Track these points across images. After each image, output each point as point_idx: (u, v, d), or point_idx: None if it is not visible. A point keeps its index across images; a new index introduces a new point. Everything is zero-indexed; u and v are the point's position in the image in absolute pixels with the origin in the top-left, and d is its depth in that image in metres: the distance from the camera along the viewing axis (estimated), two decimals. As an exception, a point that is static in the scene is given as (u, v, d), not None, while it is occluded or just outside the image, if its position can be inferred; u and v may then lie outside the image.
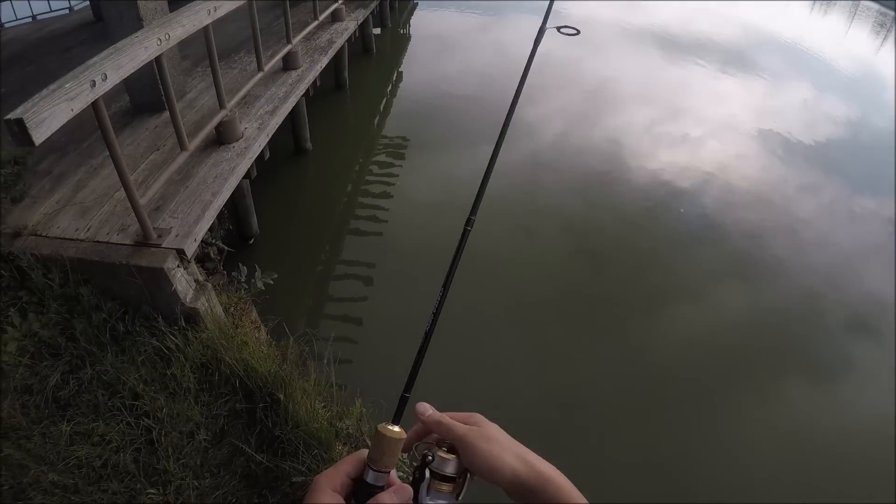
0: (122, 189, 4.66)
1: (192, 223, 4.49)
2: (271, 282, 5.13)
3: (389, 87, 12.27)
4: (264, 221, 6.84)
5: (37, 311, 4.10)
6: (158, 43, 4.00)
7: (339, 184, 8.40)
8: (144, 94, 6.09)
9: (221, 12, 5.04)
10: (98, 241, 4.38)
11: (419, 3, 18.91)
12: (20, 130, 2.89)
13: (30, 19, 14.25)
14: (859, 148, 13.31)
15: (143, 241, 4.26)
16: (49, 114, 3.02)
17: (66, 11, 14.12)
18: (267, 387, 4.02)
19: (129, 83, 5.76)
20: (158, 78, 4.41)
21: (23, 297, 4.13)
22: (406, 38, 15.72)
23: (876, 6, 66.89)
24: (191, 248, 4.33)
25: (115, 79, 3.52)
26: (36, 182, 5.14)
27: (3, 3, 14.36)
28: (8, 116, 2.89)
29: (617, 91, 13.31)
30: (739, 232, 8.40)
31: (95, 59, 3.49)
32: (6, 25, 13.83)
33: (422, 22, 17.51)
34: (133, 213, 4.22)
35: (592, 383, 5.70)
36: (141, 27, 5.79)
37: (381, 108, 11.19)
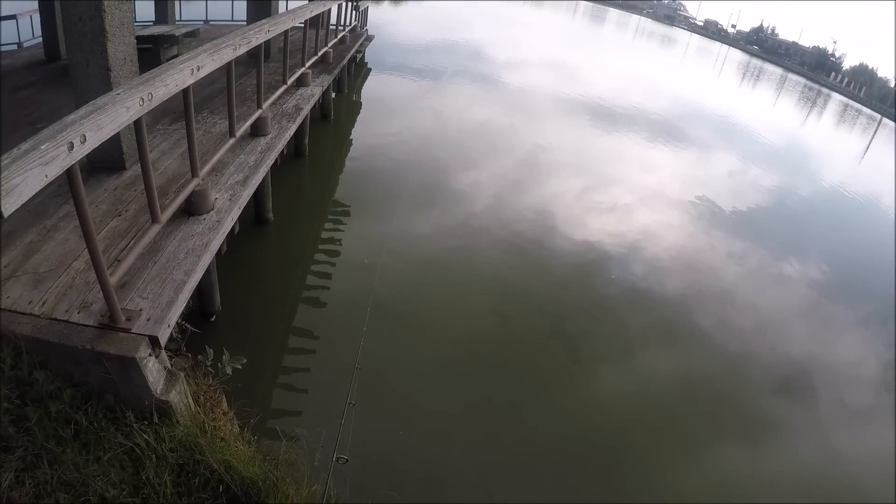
0: (80, 259, 4.21)
1: (164, 306, 3.99)
2: (240, 367, 4.66)
3: (344, 154, 12.16)
4: (226, 297, 6.36)
5: (-18, 397, 3.52)
6: (141, 103, 3.57)
7: (299, 255, 8.07)
8: (104, 151, 5.57)
9: (204, 72, 4.66)
10: (56, 319, 3.83)
11: (372, 69, 19.33)
12: (-12, 201, 2.40)
13: None
14: (784, 215, 14.33)
15: (110, 325, 3.74)
16: (21, 179, 2.55)
17: (16, 47, 13.62)
18: (254, 492, 3.51)
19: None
20: (136, 142, 3.94)
21: (-34, 378, 3.55)
22: (359, 105, 15.85)
23: (802, 80, 71.96)
24: (164, 336, 3.83)
25: (94, 141, 3.07)
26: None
27: None
28: (-29, 182, 2.41)
29: (551, 159, 13.90)
30: (669, 297, 8.74)
31: (73, 116, 3.03)
32: None
33: (373, 88, 17.88)
34: (95, 289, 3.82)
35: (517, 450, 5.57)
36: (108, 76, 5.44)
37: (336, 175, 11.03)
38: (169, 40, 11.28)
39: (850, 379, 8.03)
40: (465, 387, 6.13)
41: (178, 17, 16.32)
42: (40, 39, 12.17)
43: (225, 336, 5.96)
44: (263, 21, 6.78)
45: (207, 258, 4.70)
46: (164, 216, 4.49)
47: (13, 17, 13.98)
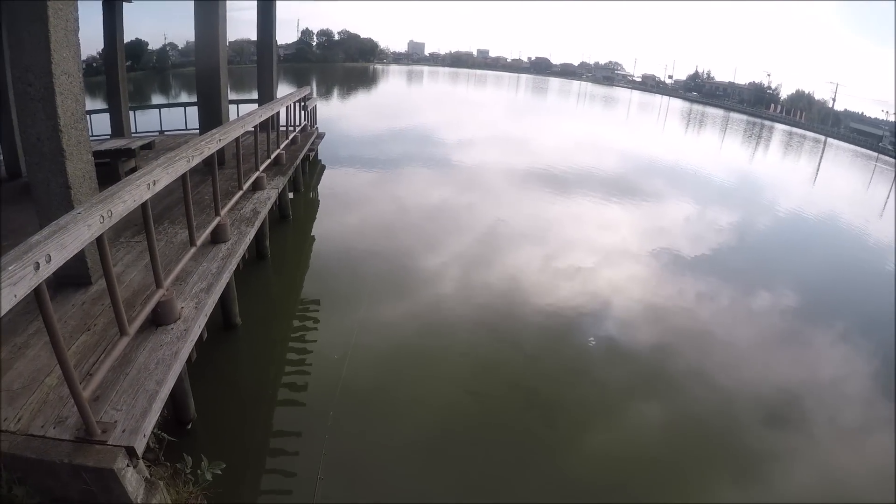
0: (53, 374, 4.32)
1: (138, 416, 4.08)
2: (219, 472, 4.72)
3: (307, 252, 12.30)
4: (201, 404, 6.40)
5: (-41, 515, 3.58)
6: (101, 220, 3.75)
7: (269, 356, 8.08)
8: (69, 267, 5.71)
9: (160, 186, 4.87)
10: (33, 435, 3.91)
11: (326, 165, 19.72)
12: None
13: None
14: (747, 249, 14.73)
15: (86, 438, 3.83)
16: (-10, 304, 2.70)
17: None
18: None
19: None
20: (100, 260, 4.10)
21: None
22: (317, 202, 16.11)
23: (745, 117, 73.60)
24: (141, 446, 3.92)
25: (59, 260, 3.24)
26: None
27: None
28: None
29: (511, 231, 14.15)
30: (645, 348, 8.79)
31: (38, 237, 3.20)
32: None
33: (329, 183, 18.21)
34: (69, 403, 3.92)
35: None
36: (69, 194, 5.63)
37: (301, 273, 11.11)
38: (126, 153, 11.52)
39: (840, 396, 8.17)
40: (441, 467, 6.12)
41: (133, 130, 16.57)
42: (0, 157, 12.29)
43: (202, 442, 6.00)
44: (214, 131, 7.00)
45: (178, 367, 4.82)
46: (132, 328, 4.62)
47: None
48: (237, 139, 8.03)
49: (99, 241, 3.91)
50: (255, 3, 16.61)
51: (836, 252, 16.95)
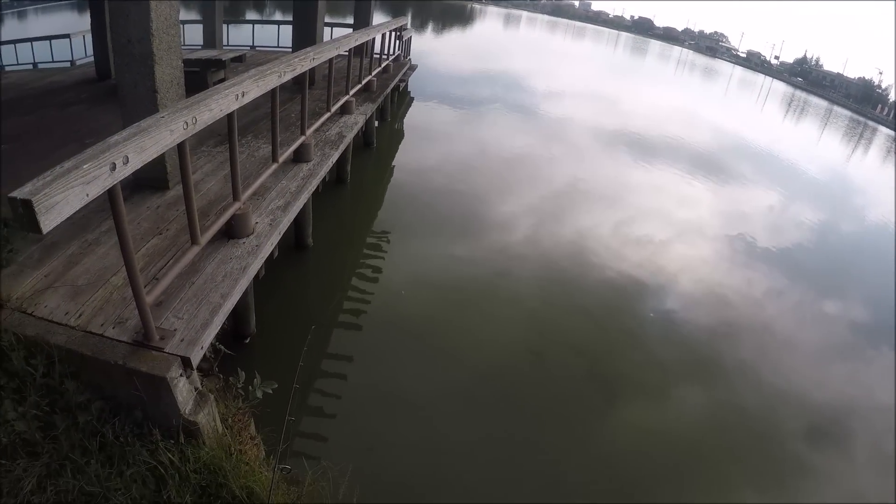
0: (119, 275, 4.26)
1: (198, 328, 3.99)
2: (270, 391, 4.63)
3: (385, 181, 12.22)
4: (262, 320, 6.36)
5: (13, 399, 3.55)
6: (185, 127, 3.61)
7: (336, 281, 8.06)
8: (148, 170, 5.66)
9: (248, 98, 4.70)
10: (91, 332, 3.87)
11: (414, 98, 19.53)
12: (26, 214, 2.44)
13: (30, 66, 14.09)
14: (825, 252, 13.91)
15: (144, 342, 3.75)
16: (62, 197, 2.59)
17: (69, 65, 13.99)
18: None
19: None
20: (179, 166, 3.98)
21: (-1, 378, 3.60)
22: (401, 133, 15.94)
23: (848, 113, 69.90)
24: (196, 357, 3.83)
25: (136, 163, 3.10)
26: (24, 247, 4.66)
27: (3, 46, 14.23)
28: (13, 194, 2.44)
29: (589, 190, 13.84)
30: (704, 332, 8.53)
31: (117, 137, 3.06)
32: (7, 69, 13.65)
33: (415, 116, 18.03)
34: (131, 305, 3.80)
35: (538, 480, 5.43)
36: (155, 98, 5.53)
37: (377, 202, 11.05)
38: (216, 65, 11.43)
39: (890, 423, 7.59)
40: (480, 415, 6.07)
41: (225, 42, 16.59)
42: (92, 58, 12.44)
43: (257, 358, 6.01)
44: (308, 49, 6.81)
45: (245, 282, 4.71)
46: (204, 238, 4.53)
47: (67, 36, 14.41)
48: (330, 60, 7.82)
49: (180, 147, 3.79)
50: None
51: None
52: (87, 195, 2.75)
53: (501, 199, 12.14)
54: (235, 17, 24.00)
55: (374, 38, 12.04)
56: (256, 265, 4.99)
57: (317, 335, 6.47)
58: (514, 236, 10.37)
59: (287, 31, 17.34)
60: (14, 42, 15.09)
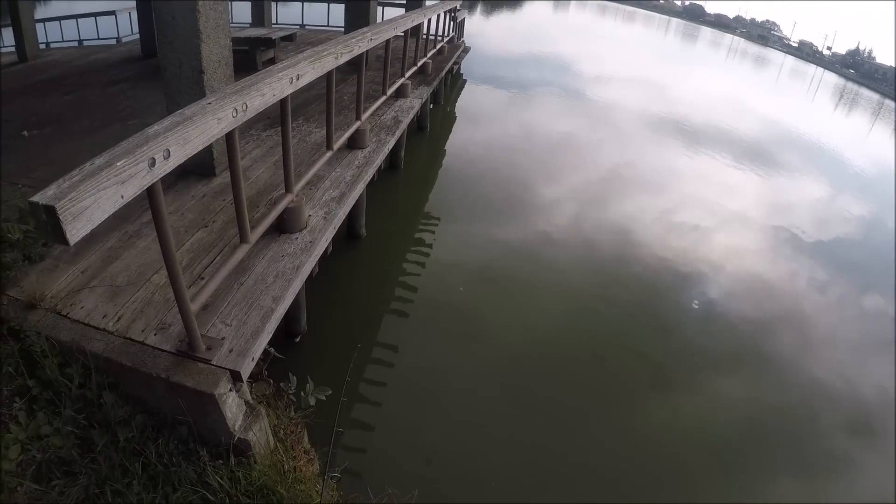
0: (160, 272, 3.94)
1: (249, 336, 3.60)
2: (324, 398, 4.26)
3: (438, 167, 11.95)
4: (313, 317, 6.00)
5: (48, 411, 3.25)
6: (234, 114, 3.19)
7: (390, 274, 7.76)
8: (194, 156, 5.31)
9: (304, 81, 4.28)
10: (131, 339, 3.53)
11: (467, 80, 19.30)
12: (50, 222, 2.04)
13: (76, 43, 14.00)
14: (872, 247, 13.61)
15: (189, 353, 3.39)
16: (92, 201, 2.19)
17: (114, 42, 13.90)
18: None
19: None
20: (228, 157, 3.57)
21: (32, 388, 3.29)
22: (453, 117, 15.71)
23: None
24: (247, 370, 3.45)
25: (179, 157, 2.70)
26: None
27: (48, 23, 14.16)
28: (35, 199, 2.05)
29: (634, 177, 13.73)
30: (746, 324, 8.35)
31: (157, 128, 2.66)
32: (51, 46, 13.57)
33: (467, 100, 17.98)
34: (175, 309, 3.45)
35: (583, 461, 5.44)
36: (201, 79, 5.17)
37: (430, 189, 10.79)
38: (265, 43, 11.12)
39: None
40: (539, 414, 5.87)
41: (273, 21, 16.33)
42: (138, 35, 12.28)
43: (308, 359, 5.70)
44: (365, 29, 6.39)
45: (298, 283, 4.31)
46: (254, 236, 4.12)
47: (112, 13, 14.27)
48: (387, 41, 7.39)
49: (229, 136, 3.39)
50: None
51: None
52: (122, 197, 2.36)
53: (548, 184, 12.06)
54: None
55: (430, 19, 11.54)
56: (310, 264, 4.58)
57: (368, 333, 6.36)
58: (561, 222, 10.34)
59: (337, 9, 17.09)
60: (59, 19, 15.01)
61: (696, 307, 8.42)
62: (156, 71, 8.90)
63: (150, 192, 2.62)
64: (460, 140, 13.88)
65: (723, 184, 15.05)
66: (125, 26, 14.83)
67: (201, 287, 3.55)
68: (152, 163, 2.50)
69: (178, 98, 5.59)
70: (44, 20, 14.41)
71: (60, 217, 2.03)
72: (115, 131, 7.31)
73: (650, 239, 10.34)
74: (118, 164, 2.30)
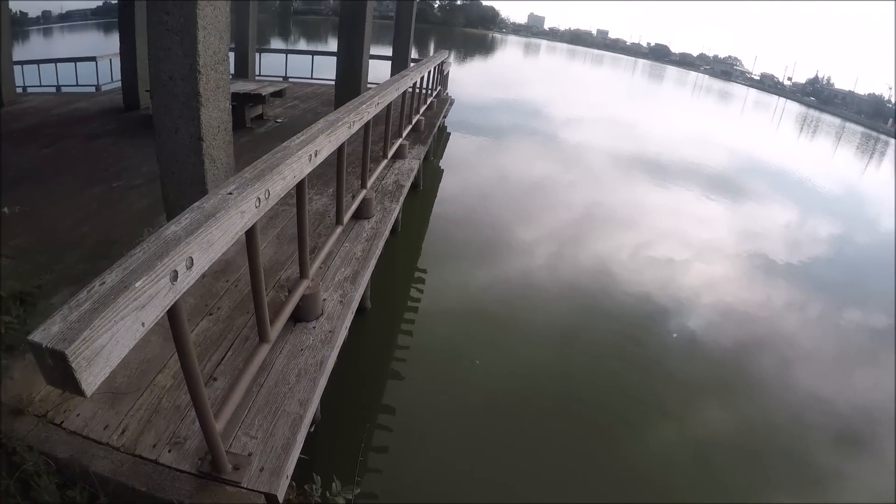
0: (167, 371, 3.53)
1: (280, 451, 3.13)
2: (351, 497, 3.83)
3: (432, 225, 11.66)
4: (326, 402, 5.51)
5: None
6: (257, 204, 2.77)
7: (394, 344, 7.36)
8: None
9: (322, 157, 3.89)
10: (141, 457, 3.06)
11: (451, 132, 19.25)
12: (60, 369, 1.60)
13: (54, 89, 13.70)
14: (843, 264, 14.38)
15: (214, 474, 2.93)
16: (109, 337, 1.73)
17: (94, 89, 13.64)
18: None
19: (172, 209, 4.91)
20: (248, 254, 3.13)
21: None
22: (441, 171, 15.48)
23: (860, 129, 71.59)
24: (282, 491, 2.98)
25: (203, 264, 2.28)
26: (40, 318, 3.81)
27: (26, 66, 13.85)
28: (35, 339, 1.60)
29: (608, 215, 14.15)
30: (727, 350, 8.48)
31: (175, 229, 2.23)
32: (29, 90, 13.23)
33: (453, 152, 17.95)
34: (188, 417, 3.20)
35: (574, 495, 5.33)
36: (199, 147, 4.80)
37: (426, 248, 10.49)
38: (254, 99, 10.77)
39: None
40: (512, 439, 5.93)
41: (257, 72, 16.15)
42: (119, 84, 12.03)
43: (326, 451, 5.24)
44: (371, 93, 6.00)
45: (323, 380, 3.83)
46: (274, 333, 3.66)
47: (93, 58, 13.99)
48: (389, 104, 7.03)
49: (250, 233, 2.95)
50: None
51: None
52: (143, 325, 1.91)
53: (519, 224, 12.40)
54: (262, 46, 23.82)
55: (422, 77, 11.27)
56: (333, 357, 4.11)
57: (385, 413, 6.03)
58: (542, 263, 10.49)
59: (320, 60, 16.90)
60: (38, 62, 14.74)
61: (676, 337, 8.50)
62: (139, 124, 8.54)
63: (172, 313, 2.17)
64: (450, 194, 13.73)
65: (695, 215, 15.61)
66: (105, 73, 14.55)
67: (222, 400, 3.08)
68: (174, 276, 2.07)
69: (173, 167, 5.22)
70: (21, 62, 14.16)
71: (73, 365, 1.59)
72: (100, 193, 7.01)
73: (627, 274, 10.53)
74: (136, 284, 1.87)
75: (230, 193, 2.66)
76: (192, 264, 2.19)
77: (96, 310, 1.71)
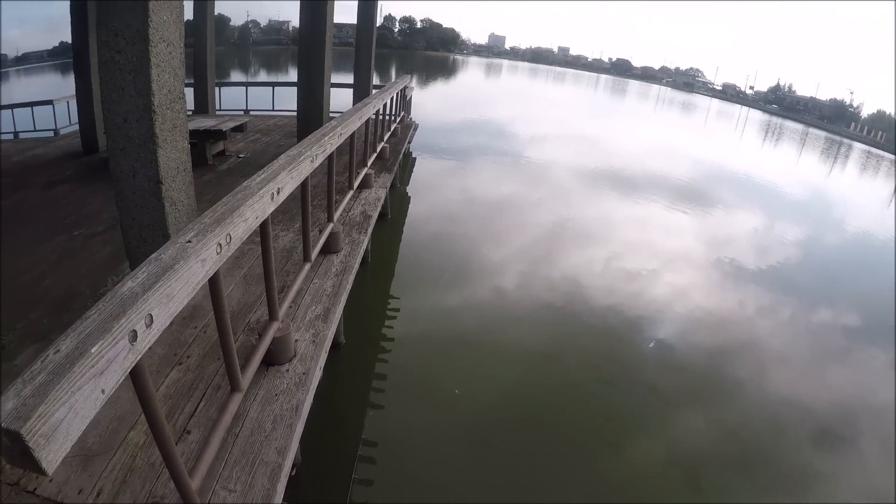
0: (137, 428, 3.41)
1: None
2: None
3: (403, 254, 11.62)
4: (306, 445, 5.41)
5: None
6: (219, 250, 2.67)
7: (370, 379, 7.26)
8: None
9: (285, 195, 3.78)
10: (120, 524, 2.87)
11: (417, 157, 19.34)
12: (17, 448, 1.49)
13: (11, 136, 13.49)
14: (812, 266, 14.80)
15: (195, 539, 2.76)
16: (67, 409, 1.62)
17: (52, 134, 13.43)
18: None
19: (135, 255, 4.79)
20: (213, 302, 3.03)
21: None
22: (408, 197, 15.52)
23: (823, 134, 73.52)
24: (271, 548, 2.85)
25: (164, 320, 2.17)
26: (4, 385, 3.66)
27: None
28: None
29: (577, 231, 14.41)
30: (703, 357, 8.66)
31: (131, 284, 2.12)
32: None
33: (419, 176, 18.03)
34: (164, 475, 3.04)
35: None
36: (158, 190, 4.68)
37: (398, 277, 10.41)
38: (215, 136, 10.62)
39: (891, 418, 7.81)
40: (492, 457, 5.98)
41: (217, 107, 16.02)
42: (77, 127, 11.88)
43: (311, 493, 5.25)
44: (333, 123, 5.88)
45: (300, 426, 3.68)
46: (246, 381, 3.54)
47: (49, 102, 13.80)
48: (353, 134, 6.95)
49: (213, 281, 2.84)
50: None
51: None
52: (103, 392, 1.80)
53: (491, 243, 12.59)
54: (222, 80, 23.65)
55: (385, 104, 11.21)
56: (309, 400, 3.97)
57: (366, 450, 5.93)
58: (514, 281, 10.66)
59: (281, 92, 16.85)
60: None
61: (652, 346, 8.65)
62: (98, 169, 8.38)
63: (134, 374, 2.06)
64: (419, 220, 13.73)
65: (663, 227, 15.88)
66: (63, 116, 14.37)
67: (197, 455, 2.96)
68: (133, 337, 1.96)
69: (132, 212, 5.09)
70: (-24, 109, 14.04)
71: (30, 444, 1.49)
72: (61, 243, 6.89)
73: (600, 288, 10.65)
74: (93, 350, 1.76)
75: (189, 242, 2.55)
76: (152, 322, 2.08)
77: (51, 381, 1.60)
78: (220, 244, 2.72)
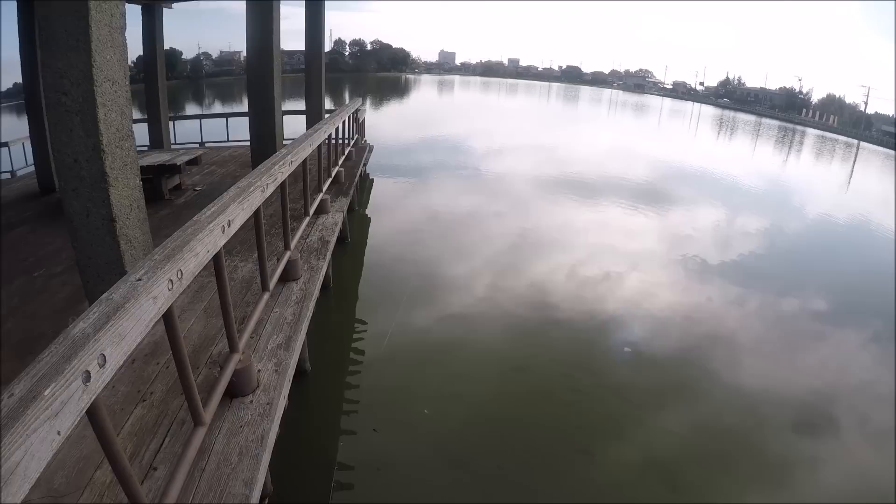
0: (103, 468, 3.38)
1: (235, 546, 3.03)
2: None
3: (365, 277, 11.49)
4: (277, 477, 5.40)
5: None
6: (170, 286, 2.71)
7: (339, 407, 7.18)
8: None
9: (236, 226, 3.82)
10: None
11: (374, 179, 19.30)
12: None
13: None
14: (775, 254, 14.94)
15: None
16: (23, 452, 1.66)
17: (9, 175, 13.31)
18: None
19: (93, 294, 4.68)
20: (168, 339, 3.05)
21: None
22: (368, 219, 15.42)
23: (776, 123, 74.85)
24: (246, 588, 2.86)
25: (118, 359, 2.20)
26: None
27: None
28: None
29: (538, 238, 14.39)
30: (676, 354, 8.71)
31: (82, 325, 2.16)
32: None
33: (378, 198, 17.98)
34: None
35: None
36: (113, 228, 4.69)
37: (364, 304, 10.27)
38: (170, 170, 10.60)
39: (871, 398, 8.01)
40: (475, 470, 5.94)
41: (171, 140, 15.95)
42: (33, 168, 11.80)
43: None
44: (284, 151, 5.94)
45: (266, 456, 3.69)
46: (209, 414, 3.56)
47: (5, 144, 13.69)
48: (305, 160, 6.99)
49: (167, 316, 2.87)
50: (304, 7, 15.79)
51: (868, 255, 16.93)
52: (59, 433, 1.84)
53: (456, 258, 12.51)
54: (177, 113, 23.51)
55: (336, 128, 11.25)
56: (274, 430, 3.99)
57: (347, 481, 5.87)
58: (482, 294, 10.59)
59: (235, 122, 16.81)
60: None
61: (628, 351, 8.62)
62: (55, 209, 8.33)
63: (90, 415, 2.09)
64: (380, 241, 13.68)
65: (626, 229, 15.87)
66: (20, 157, 14.24)
67: (163, 492, 2.98)
68: (87, 377, 2.00)
69: (88, 252, 5.08)
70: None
71: (-13, 487, 1.51)
72: (21, 286, 6.86)
73: (566, 295, 10.62)
74: (46, 392, 1.79)
75: (139, 280, 2.59)
76: (106, 361, 2.11)
77: (6, 425, 1.64)
78: (171, 280, 2.76)
